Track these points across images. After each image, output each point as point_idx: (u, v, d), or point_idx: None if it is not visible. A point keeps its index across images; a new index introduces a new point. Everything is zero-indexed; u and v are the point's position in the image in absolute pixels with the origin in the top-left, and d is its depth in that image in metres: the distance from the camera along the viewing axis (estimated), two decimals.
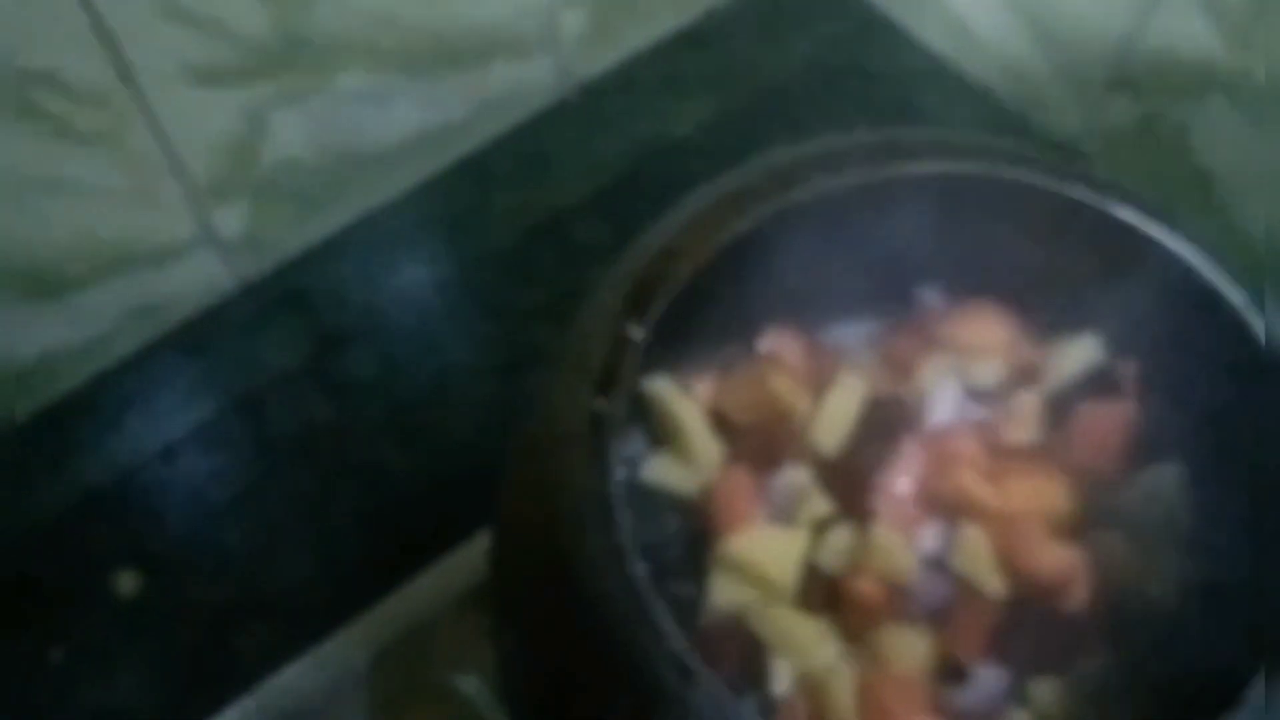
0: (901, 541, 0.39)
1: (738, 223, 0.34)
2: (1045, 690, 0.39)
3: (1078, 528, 0.41)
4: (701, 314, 0.37)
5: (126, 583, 0.54)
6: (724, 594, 0.39)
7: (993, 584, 0.39)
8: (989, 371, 0.43)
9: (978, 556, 0.39)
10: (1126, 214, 0.37)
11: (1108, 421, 0.42)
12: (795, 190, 0.34)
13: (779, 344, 0.42)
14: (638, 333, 0.32)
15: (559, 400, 0.34)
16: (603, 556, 0.29)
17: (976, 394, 0.43)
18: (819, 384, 0.41)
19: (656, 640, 0.28)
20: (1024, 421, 0.42)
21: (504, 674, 0.39)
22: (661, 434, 0.42)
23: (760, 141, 0.66)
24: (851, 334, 0.44)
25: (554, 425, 0.33)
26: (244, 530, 0.56)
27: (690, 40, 0.69)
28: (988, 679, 0.38)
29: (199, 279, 0.60)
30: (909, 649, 0.38)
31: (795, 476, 0.40)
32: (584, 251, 0.63)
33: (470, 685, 0.48)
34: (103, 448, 0.58)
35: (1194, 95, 0.58)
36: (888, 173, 0.35)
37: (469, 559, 0.51)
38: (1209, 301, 0.37)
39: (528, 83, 0.65)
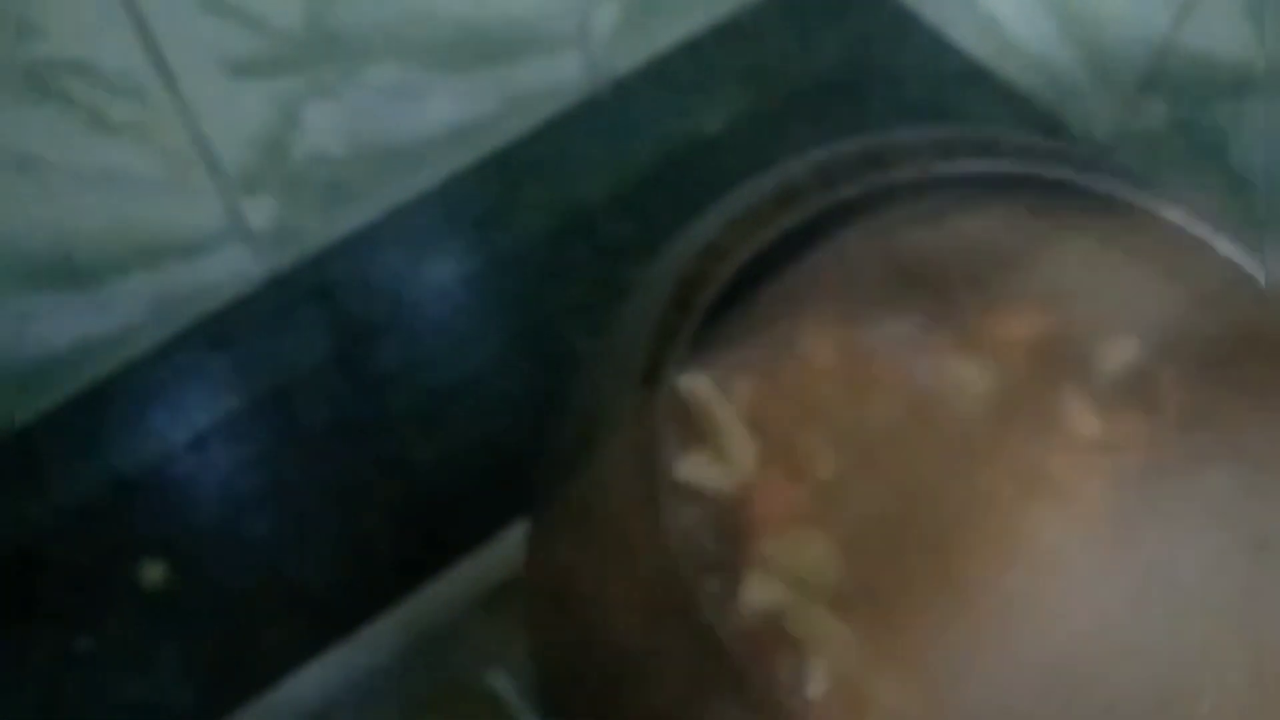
0: None
1: (784, 219, 0.33)
2: None
3: None
4: (740, 310, 0.37)
5: (153, 573, 0.54)
6: (760, 594, 0.38)
7: None
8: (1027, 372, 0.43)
9: None
10: (1172, 214, 0.37)
11: None
12: (841, 188, 0.34)
13: (817, 344, 0.42)
14: (683, 332, 0.32)
15: (601, 398, 0.33)
16: (649, 560, 0.29)
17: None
18: (858, 385, 0.41)
19: (704, 641, 0.28)
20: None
21: (537, 672, 0.38)
22: (694, 432, 0.41)
23: (791, 140, 0.65)
24: (890, 334, 0.43)
25: (596, 424, 0.33)
26: (272, 522, 0.56)
27: (722, 37, 0.69)
28: None
29: (228, 270, 0.60)
30: None
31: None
32: (612, 248, 0.63)
33: (501, 682, 0.48)
34: (131, 438, 0.58)
35: (1231, 98, 0.57)
36: (935, 171, 0.35)
37: (499, 555, 0.51)
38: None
39: (558, 78, 0.65)
